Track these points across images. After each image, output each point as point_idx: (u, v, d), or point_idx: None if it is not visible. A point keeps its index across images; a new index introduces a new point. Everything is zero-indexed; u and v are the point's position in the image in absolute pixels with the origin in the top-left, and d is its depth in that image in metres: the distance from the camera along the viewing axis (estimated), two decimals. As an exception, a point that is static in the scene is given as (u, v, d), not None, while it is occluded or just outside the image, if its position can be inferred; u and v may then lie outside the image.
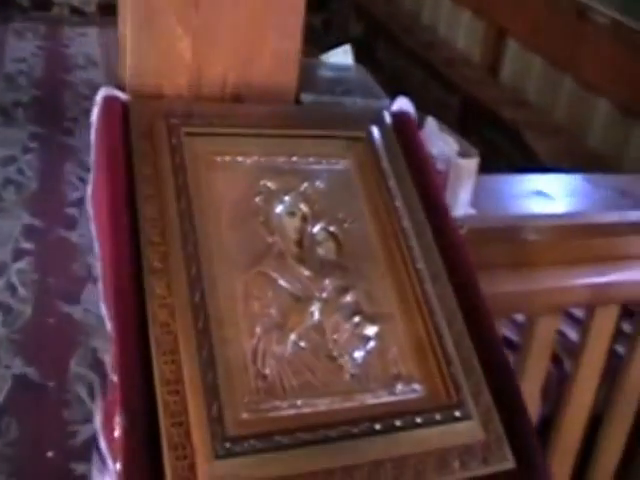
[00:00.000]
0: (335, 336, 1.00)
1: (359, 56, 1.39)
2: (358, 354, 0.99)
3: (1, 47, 5.78)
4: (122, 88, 1.11)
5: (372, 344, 1.01)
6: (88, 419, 2.56)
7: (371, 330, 1.01)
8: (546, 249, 1.50)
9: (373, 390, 0.97)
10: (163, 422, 0.88)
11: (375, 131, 1.18)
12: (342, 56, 1.31)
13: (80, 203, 3.79)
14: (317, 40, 3.45)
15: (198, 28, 1.11)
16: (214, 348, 0.93)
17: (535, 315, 1.59)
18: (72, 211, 3.78)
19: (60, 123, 4.66)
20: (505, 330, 1.82)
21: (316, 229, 1.08)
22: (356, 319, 1.02)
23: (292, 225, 1.08)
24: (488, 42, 4.70)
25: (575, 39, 3.76)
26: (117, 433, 0.92)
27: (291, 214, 1.09)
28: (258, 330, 0.97)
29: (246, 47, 1.15)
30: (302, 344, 0.98)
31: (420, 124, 1.31)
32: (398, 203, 1.11)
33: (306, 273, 1.04)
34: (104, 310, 1.08)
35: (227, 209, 1.06)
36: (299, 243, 1.07)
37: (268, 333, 0.98)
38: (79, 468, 2.44)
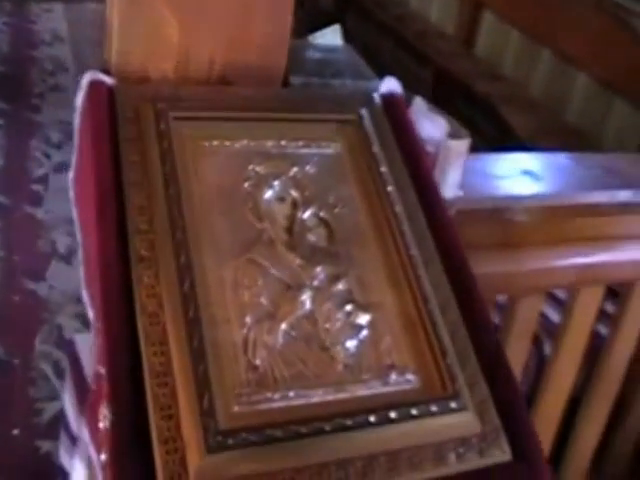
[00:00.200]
0: (327, 325, 0.98)
1: (328, 29, 1.35)
2: (351, 344, 0.98)
3: (-33, 24, 5.67)
4: (108, 72, 1.08)
5: (365, 333, 0.99)
6: (54, 397, 2.55)
7: (363, 319, 1.00)
8: (532, 230, 1.48)
9: (366, 381, 0.95)
10: (153, 415, 0.86)
11: (365, 114, 1.16)
12: (331, 37, 1.28)
13: (45, 180, 3.76)
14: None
15: (185, 10, 1.08)
16: (204, 339, 0.90)
17: (517, 296, 1.58)
18: (37, 188, 3.72)
19: (26, 99, 4.58)
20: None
21: (306, 215, 1.06)
22: (348, 307, 1.00)
23: (282, 211, 1.06)
24: (463, 14, 4.65)
25: (555, 11, 3.72)
26: (102, 425, 0.90)
27: (281, 200, 1.07)
28: (248, 320, 0.95)
29: (234, 29, 1.12)
30: (293, 334, 0.96)
31: (407, 104, 1.28)
32: (390, 188, 1.09)
33: (297, 261, 1.02)
34: (86, 297, 1.06)
35: (216, 195, 1.03)
36: (289, 230, 1.04)
37: (259, 323, 0.96)
38: (45, 446, 2.41)
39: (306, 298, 0.99)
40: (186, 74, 1.12)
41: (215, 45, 1.11)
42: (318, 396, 0.93)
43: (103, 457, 0.90)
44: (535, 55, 3.90)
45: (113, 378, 0.89)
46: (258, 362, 0.93)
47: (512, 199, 1.47)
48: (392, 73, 1.27)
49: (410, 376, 0.97)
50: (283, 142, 1.11)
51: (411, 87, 1.40)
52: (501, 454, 0.93)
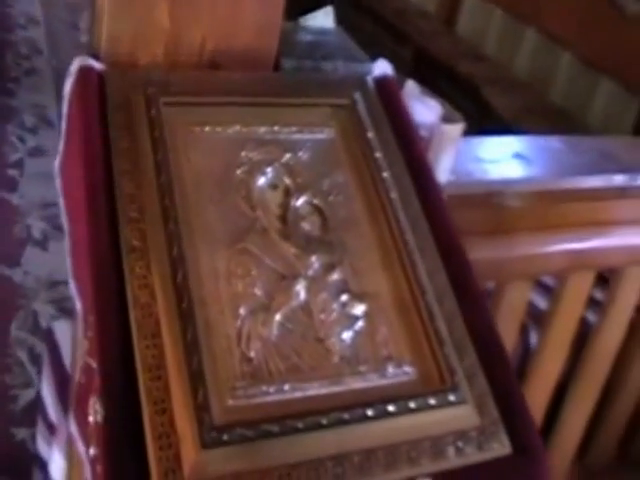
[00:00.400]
0: (322, 316, 0.96)
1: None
2: (346, 335, 0.96)
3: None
4: (96, 57, 1.05)
5: (360, 324, 0.97)
6: (29, 384, 2.54)
7: (359, 309, 0.98)
8: (524, 215, 1.47)
9: (363, 373, 0.94)
10: (146, 410, 0.84)
11: (359, 98, 1.14)
12: (322, 19, 1.26)
13: (21, 164, 3.71)
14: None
15: (176, -6, 1.05)
16: (198, 331, 0.88)
17: (506, 283, 1.57)
18: (12, 173, 3.68)
19: (1, 84, 4.52)
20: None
21: (300, 202, 1.04)
22: (343, 298, 0.98)
23: (275, 199, 1.04)
24: (445, -7, 4.63)
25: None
26: (92, 419, 0.89)
27: (273, 187, 1.05)
28: (242, 311, 0.93)
29: (225, 13, 1.09)
30: (288, 325, 0.95)
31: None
32: (385, 174, 1.07)
33: (291, 250, 1.00)
34: (73, 288, 1.04)
35: (208, 183, 1.01)
36: (283, 218, 1.02)
37: (253, 314, 0.94)
38: (20, 433, 2.39)
39: (301, 288, 0.97)
40: (176, 59, 1.09)
41: (206, 29, 1.09)
42: (314, 389, 0.91)
43: (92, 451, 0.88)
44: (519, 34, 3.87)
45: (105, 372, 0.87)
46: (252, 354, 0.91)
47: (503, 183, 1.45)
48: (370, 53, 1.25)
49: (407, 368, 0.95)
50: (276, 128, 1.09)
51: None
52: (501, 448, 0.92)
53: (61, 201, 1.09)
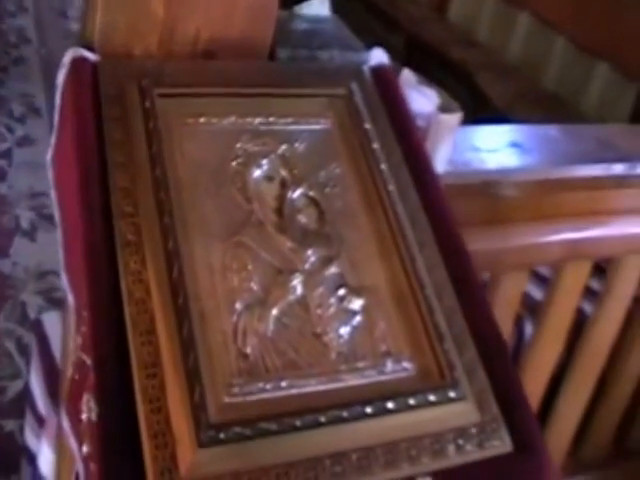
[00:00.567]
0: (319, 311, 0.95)
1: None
2: (344, 330, 0.94)
3: None
4: (89, 47, 1.03)
5: (358, 319, 0.95)
6: (17, 375, 2.54)
7: (357, 304, 0.96)
8: (522, 205, 1.45)
9: (361, 369, 0.92)
10: (141, 408, 0.83)
11: (355, 88, 1.12)
12: (318, 7, 1.24)
13: (9, 154, 3.69)
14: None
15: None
16: (193, 327, 0.86)
17: (501, 273, 1.55)
18: (1, 162, 3.66)
19: (-11, 73, 4.50)
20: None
21: (296, 195, 1.02)
22: (341, 292, 0.96)
23: (271, 191, 1.02)
24: (435, -21, 4.58)
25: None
26: (86, 416, 0.87)
27: (269, 179, 1.03)
28: (238, 306, 0.92)
29: (220, 2, 1.08)
30: (285, 320, 0.93)
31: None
32: (383, 166, 1.06)
33: (287, 243, 0.98)
34: (65, 281, 1.02)
35: (203, 175, 0.99)
36: (279, 211, 1.01)
37: (249, 309, 0.92)
38: (8, 425, 2.39)
39: (297, 283, 0.95)
40: (171, 49, 1.07)
41: (200, 18, 1.07)
42: (311, 386, 0.89)
43: (85, 449, 0.87)
44: (511, 19, 3.84)
45: (100, 369, 0.85)
46: (249, 350, 0.89)
47: (500, 173, 1.44)
48: (361, 40, 1.24)
49: (406, 363, 0.94)
50: (271, 118, 1.07)
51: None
52: (501, 445, 0.91)
53: (53, 193, 1.07)
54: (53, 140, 1.06)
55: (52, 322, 1.71)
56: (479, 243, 1.38)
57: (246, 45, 1.12)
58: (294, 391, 0.89)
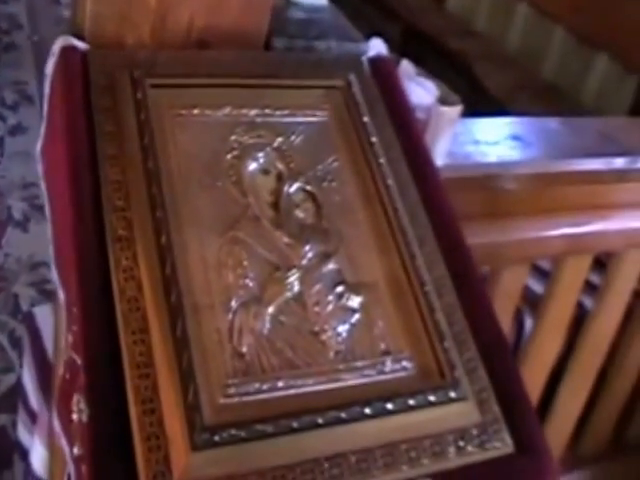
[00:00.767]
0: (317, 309, 0.92)
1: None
2: (342, 328, 0.92)
3: None
4: (79, 36, 1.00)
5: (357, 317, 0.93)
6: (10, 368, 2.51)
7: (355, 301, 0.94)
8: (522, 198, 1.43)
9: (360, 369, 0.90)
10: (134, 410, 0.81)
11: (353, 79, 1.09)
12: (315, -5, 1.21)
13: (1, 144, 3.66)
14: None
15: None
16: (187, 326, 0.84)
17: (502, 267, 1.53)
18: (-8, 151, 3.63)
19: (-20, 60, 4.45)
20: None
21: (293, 189, 1.00)
22: (339, 289, 0.94)
23: (266, 185, 0.99)
24: (433, -32, 4.54)
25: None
26: (76, 417, 0.85)
27: (265, 172, 1.00)
28: (233, 304, 0.89)
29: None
30: (282, 318, 0.90)
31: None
32: (382, 160, 1.03)
33: (284, 239, 0.95)
34: (55, 276, 1.00)
35: (197, 168, 0.97)
36: (275, 205, 0.98)
37: (244, 307, 0.89)
38: (0, 419, 2.37)
39: (294, 279, 0.93)
40: (163, 38, 1.04)
41: (194, 6, 1.04)
42: (309, 386, 0.87)
43: (76, 451, 0.85)
44: (510, 9, 3.81)
45: (90, 369, 0.83)
46: (244, 349, 0.87)
47: (500, 166, 1.41)
48: (357, 29, 1.21)
49: (406, 363, 0.91)
50: (267, 110, 1.04)
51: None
52: (503, 446, 0.88)
53: (43, 185, 1.05)
54: (42, 131, 1.03)
55: (44, 315, 1.69)
56: (479, 237, 1.36)
57: (241, 34, 1.09)
58: (291, 391, 0.86)
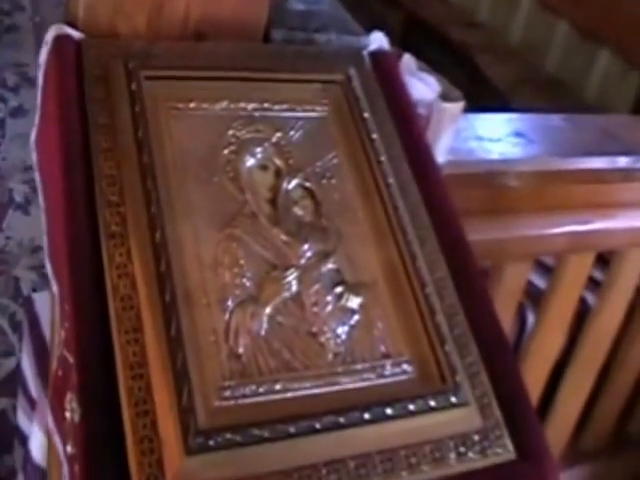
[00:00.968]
0: (316, 309, 0.90)
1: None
2: (341, 330, 0.89)
3: None
4: (74, 25, 0.98)
5: (356, 318, 0.91)
6: (10, 352, 2.51)
7: (355, 302, 0.92)
8: (525, 196, 1.42)
9: (360, 372, 0.87)
10: (126, 411, 0.78)
11: (354, 73, 1.07)
12: (315, -14, 1.19)
13: (2, 125, 3.64)
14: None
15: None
16: (182, 326, 0.82)
17: (504, 263, 1.52)
18: (-7, 133, 3.61)
19: (-20, 41, 4.42)
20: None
21: (291, 185, 0.97)
22: (338, 289, 0.92)
23: (264, 181, 0.97)
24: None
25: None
26: (69, 416, 0.83)
27: (263, 168, 0.98)
28: (230, 303, 0.87)
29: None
30: (279, 319, 0.88)
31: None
32: (383, 158, 1.01)
33: (282, 237, 0.93)
34: (49, 268, 0.98)
35: (193, 163, 0.94)
36: (273, 202, 0.96)
37: (241, 307, 0.87)
38: (1, 402, 2.36)
39: (292, 279, 0.91)
40: (159, 29, 1.02)
41: (191, -4, 1.02)
42: (307, 389, 0.85)
43: (69, 449, 0.83)
44: (513, 1, 3.78)
45: (82, 369, 0.81)
46: (241, 350, 0.85)
47: (503, 163, 1.39)
48: (357, 17, 1.19)
49: (406, 366, 0.89)
50: (266, 104, 1.02)
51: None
52: (504, 453, 0.86)
53: (37, 176, 1.03)
54: (36, 121, 1.01)
55: (43, 302, 1.67)
56: (481, 233, 1.35)
57: (239, 26, 1.07)
58: (289, 394, 0.84)
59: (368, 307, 0.92)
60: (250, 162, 0.97)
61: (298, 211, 0.96)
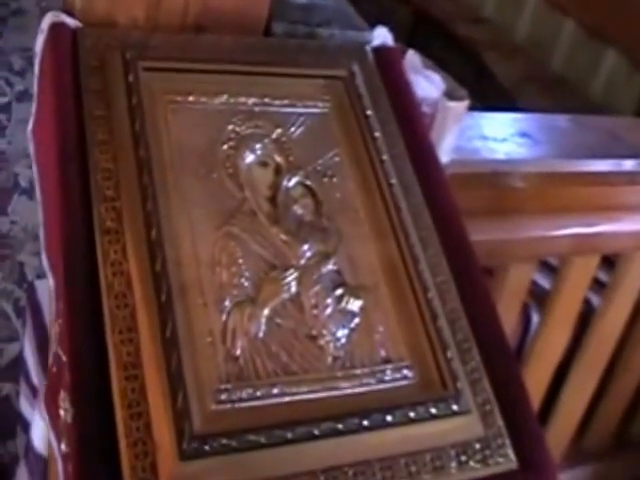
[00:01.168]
0: (315, 312, 0.88)
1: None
2: (341, 333, 0.87)
3: None
4: (71, 13, 0.95)
5: (357, 321, 0.89)
6: (14, 337, 2.48)
7: (355, 304, 0.89)
8: (529, 197, 1.40)
9: (359, 377, 0.85)
10: (120, 413, 0.77)
11: (357, 69, 1.05)
12: (319, -20, 1.16)
13: (8, 109, 3.61)
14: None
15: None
16: (177, 326, 0.79)
17: (509, 264, 1.50)
18: (0, 117, 3.57)
19: (-14, 24, 4.39)
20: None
21: (292, 183, 0.95)
22: (338, 291, 0.90)
23: (264, 178, 0.95)
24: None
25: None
26: (63, 414, 0.81)
27: (263, 165, 0.96)
28: (227, 304, 0.85)
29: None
30: (278, 320, 0.86)
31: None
32: (385, 157, 0.98)
33: (281, 236, 0.91)
34: (45, 262, 0.95)
35: (191, 158, 0.92)
36: (272, 200, 0.94)
37: (239, 307, 0.85)
38: (4, 388, 2.34)
39: (292, 280, 0.89)
40: (158, 20, 1.00)
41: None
42: (305, 394, 0.83)
43: (64, 447, 0.81)
44: (520, -1, 3.76)
45: (75, 368, 0.79)
46: (238, 352, 0.83)
47: (509, 163, 1.37)
48: (367, 11, 1.16)
49: (407, 372, 0.87)
50: (266, 99, 1.00)
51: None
52: (506, 462, 0.84)
53: (34, 167, 1.00)
54: (33, 110, 0.99)
55: (45, 289, 1.65)
56: (486, 233, 1.34)
57: (239, 19, 1.05)
58: (286, 399, 0.82)
59: (369, 310, 0.90)
60: (250, 158, 0.95)
61: (298, 210, 0.94)
